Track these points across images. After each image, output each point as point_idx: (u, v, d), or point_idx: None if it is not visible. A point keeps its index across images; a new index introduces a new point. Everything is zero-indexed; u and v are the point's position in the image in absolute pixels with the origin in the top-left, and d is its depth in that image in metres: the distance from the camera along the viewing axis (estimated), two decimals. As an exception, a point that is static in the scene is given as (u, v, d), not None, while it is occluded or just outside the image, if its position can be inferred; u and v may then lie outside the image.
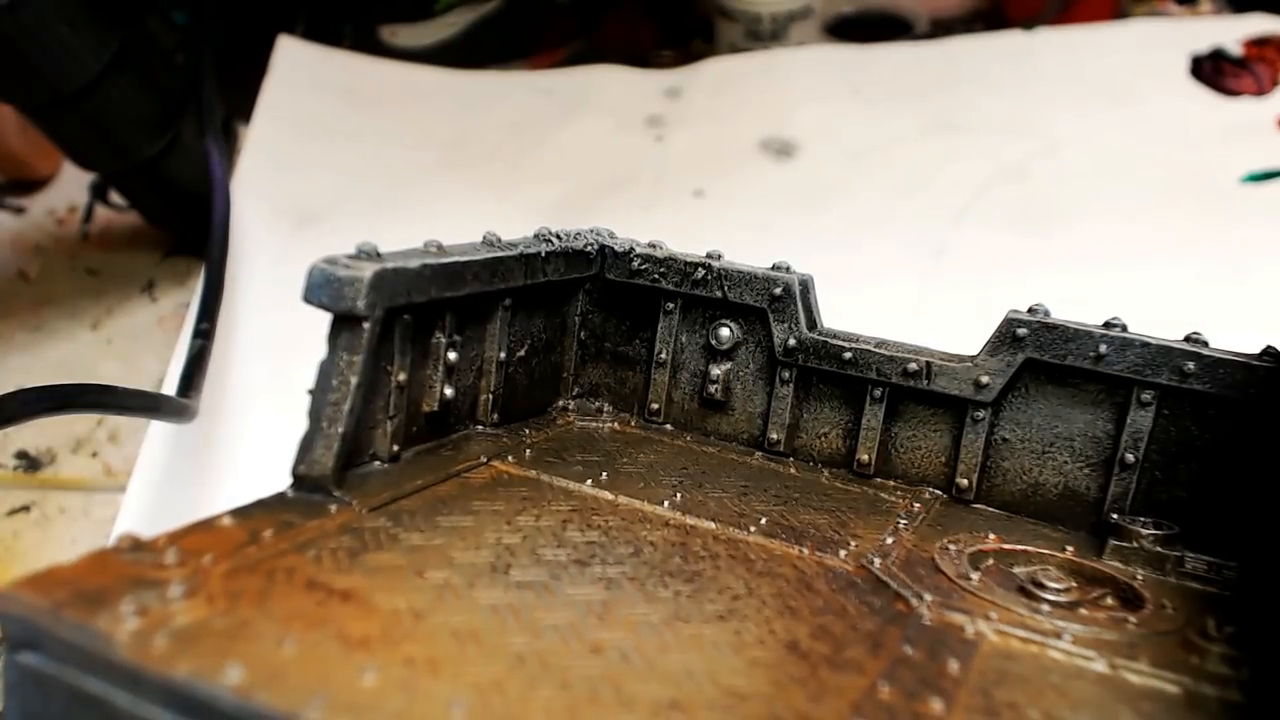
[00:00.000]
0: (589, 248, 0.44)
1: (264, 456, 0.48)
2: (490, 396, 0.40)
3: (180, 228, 0.76)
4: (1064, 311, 0.39)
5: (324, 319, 0.32)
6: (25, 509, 0.56)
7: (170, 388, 0.54)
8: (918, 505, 0.39)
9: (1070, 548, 0.36)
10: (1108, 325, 0.38)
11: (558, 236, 0.42)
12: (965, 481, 0.40)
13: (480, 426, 0.40)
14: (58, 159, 0.84)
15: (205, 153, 0.69)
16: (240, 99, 0.83)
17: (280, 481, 0.32)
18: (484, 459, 0.37)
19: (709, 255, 0.43)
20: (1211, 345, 0.37)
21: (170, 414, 0.49)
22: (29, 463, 0.59)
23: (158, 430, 0.56)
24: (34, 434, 0.60)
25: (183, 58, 0.72)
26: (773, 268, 0.43)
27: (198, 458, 0.55)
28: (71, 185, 0.84)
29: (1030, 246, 0.66)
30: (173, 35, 0.72)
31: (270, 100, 0.82)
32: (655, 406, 0.45)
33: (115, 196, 0.79)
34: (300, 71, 0.85)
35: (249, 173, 0.76)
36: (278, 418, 0.50)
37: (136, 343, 0.68)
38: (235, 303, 0.64)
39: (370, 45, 0.93)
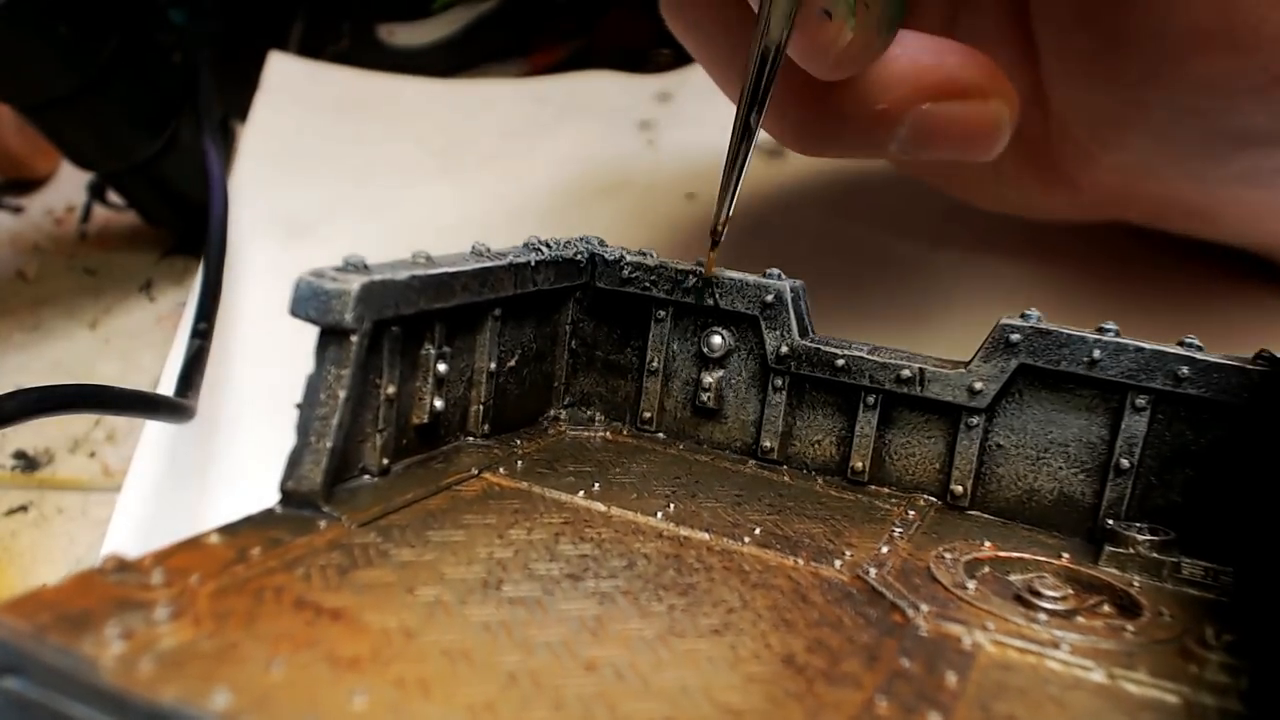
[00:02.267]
0: (579, 256, 0.43)
1: (263, 456, 0.47)
2: (481, 407, 0.40)
3: (178, 227, 0.76)
4: (1057, 316, 0.39)
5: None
6: (23, 509, 0.56)
7: (167, 388, 0.53)
8: (912, 512, 0.39)
9: (1066, 554, 0.36)
10: (1101, 330, 0.37)
11: (547, 245, 0.42)
12: (960, 488, 0.40)
13: (471, 438, 0.40)
14: (55, 158, 0.84)
15: (203, 152, 0.69)
16: (239, 98, 0.82)
17: (278, 482, 0.32)
18: (475, 471, 0.37)
19: (699, 262, 0.43)
20: (1206, 349, 0.37)
21: (168, 414, 0.49)
22: (26, 463, 0.59)
23: (154, 430, 0.56)
24: (31, 434, 0.60)
25: (181, 57, 0.72)
26: (764, 274, 0.42)
27: (195, 457, 0.55)
28: (69, 185, 0.84)
29: (1028, 246, 0.66)
30: (171, 35, 0.72)
31: (260, 120, 0.81)
32: (647, 415, 0.45)
33: (113, 196, 0.79)
34: (291, 90, 0.84)
35: (242, 185, 0.75)
36: (276, 418, 0.50)
37: (135, 342, 0.68)
38: (233, 303, 0.64)
39: (368, 43, 0.93)
